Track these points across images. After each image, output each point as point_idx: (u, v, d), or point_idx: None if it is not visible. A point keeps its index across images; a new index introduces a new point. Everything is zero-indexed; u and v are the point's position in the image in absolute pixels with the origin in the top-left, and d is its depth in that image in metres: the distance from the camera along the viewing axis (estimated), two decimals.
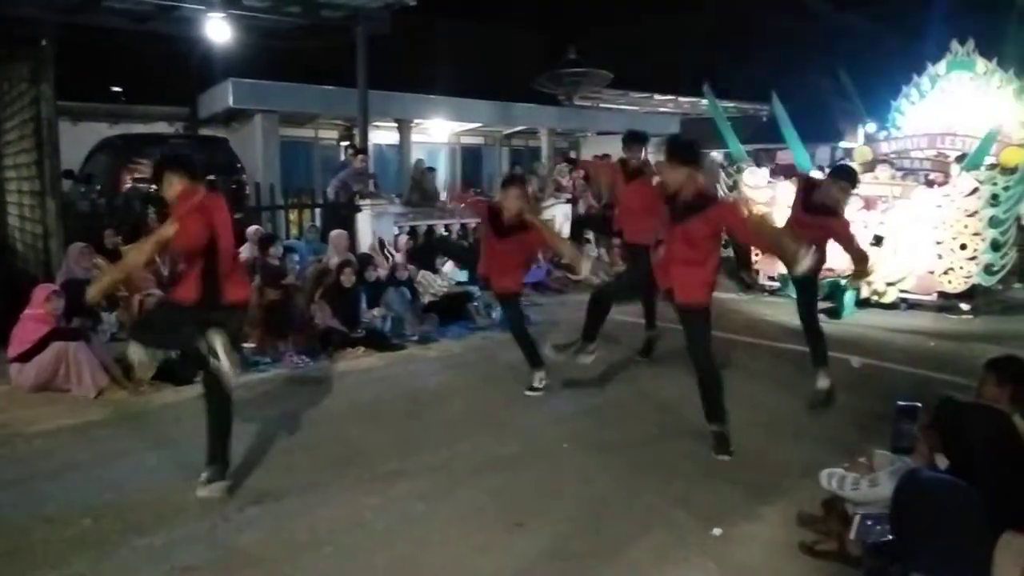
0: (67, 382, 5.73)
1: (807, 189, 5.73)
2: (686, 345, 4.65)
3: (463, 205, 10.02)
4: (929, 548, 2.64)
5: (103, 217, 8.55)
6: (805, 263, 4.30)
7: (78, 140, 12.09)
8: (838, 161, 13.87)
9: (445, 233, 10.45)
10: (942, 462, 3.09)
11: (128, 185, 10.82)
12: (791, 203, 5.90)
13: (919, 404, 3.26)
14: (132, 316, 6.67)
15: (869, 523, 3.09)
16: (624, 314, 6.90)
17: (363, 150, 11.03)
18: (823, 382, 5.48)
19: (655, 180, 5.49)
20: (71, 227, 7.67)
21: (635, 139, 6.66)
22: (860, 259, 5.60)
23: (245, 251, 8.23)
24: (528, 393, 5.74)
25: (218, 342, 3.71)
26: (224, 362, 3.71)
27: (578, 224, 11.43)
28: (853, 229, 5.83)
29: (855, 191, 6.44)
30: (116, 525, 3.71)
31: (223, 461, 4.06)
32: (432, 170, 11.45)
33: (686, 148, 4.57)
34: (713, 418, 4.64)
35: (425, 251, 9.30)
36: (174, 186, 3.99)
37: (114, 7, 10.61)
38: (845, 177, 5.62)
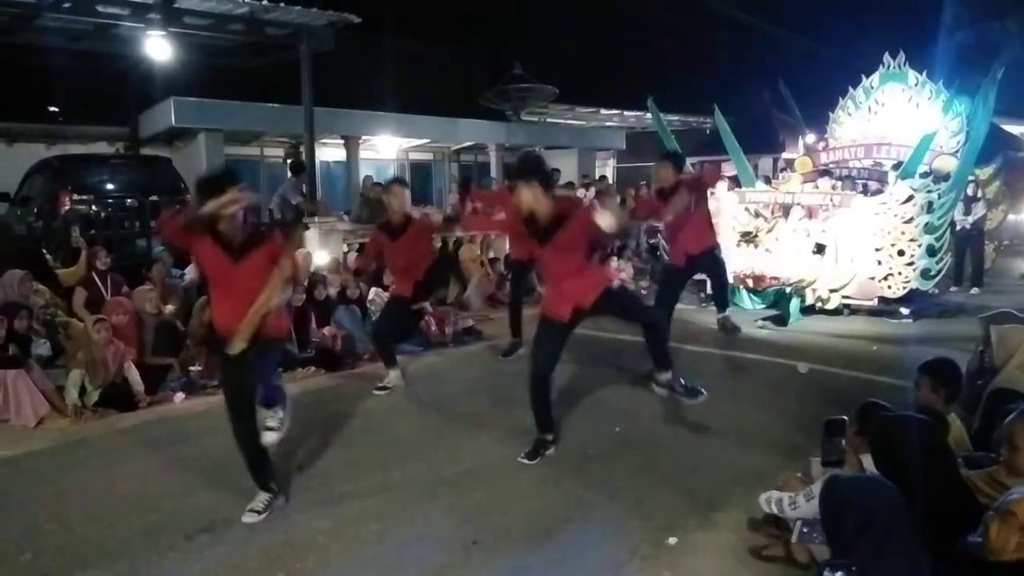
0: (5, 411, 5.55)
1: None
2: (626, 319, 4.90)
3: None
4: (862, 546, 2.71)
5: (40, 240, 8.32)
6: (607, 219, 4.26)
7: (14, 162, 11.77)
8: (780, 171, 14.21)
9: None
10: (868, 462, 3.17)
11: (67, 207, 10.54)
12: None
13: (845, 417, 3.34)
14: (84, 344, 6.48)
15: (806, 530, 3.16)
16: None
17: (303, 164, 10.90)
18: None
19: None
20: (7, 250, 7.45)
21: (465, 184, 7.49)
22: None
23: (190, 272, 8.09)
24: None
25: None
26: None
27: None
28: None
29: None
30: (58, 559, 3.59)
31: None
32: (380, 185, 11.37)
33: (531, 164, 4.54)
34: (665, 366, 4.84)
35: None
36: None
37: (48, 25, 10.37)
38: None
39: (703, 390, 4.89)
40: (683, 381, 4.90)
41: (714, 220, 9.15)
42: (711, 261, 6.93)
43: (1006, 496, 2.71)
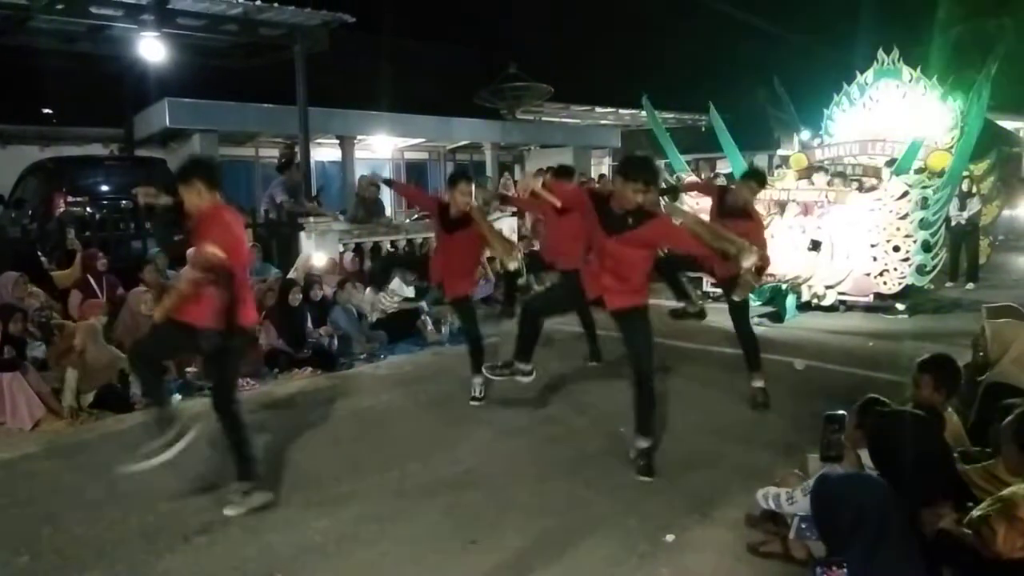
0: (1, 414, 5.53)
1: (720, 196, 6.02)
2: (627, 351, 4.58)
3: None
4: (856, 543, 2.71)
5: (35, 243, 8.29)
6: (751, 257, 4.27)
7: (8, 163, 11.72)
8: (775, 168, 14.22)
9: (392, 249, 10.34)
10: (867, 457, 3.18)
11: (61, 209, 10.50)
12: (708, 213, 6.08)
13: (845, 413, 3.34)
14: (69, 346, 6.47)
15: (804, 526, 3.17)
16: (564, 324, 6.97)
17: (290, 161, 10.83)
18: (758, 382, 5.69)
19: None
20: (2, 253, 7.42)
21: (564, 173, 7.04)
22: (763, 262, 5.48)
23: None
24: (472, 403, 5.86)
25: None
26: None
27: (525, 237, 11.51)
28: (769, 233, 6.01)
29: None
30: (55, 562, 3.59)
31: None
32: (376, 186, 11.35)
33: (644, 167, 4.39)
34: (647, 432, 4.49)
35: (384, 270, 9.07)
36: (202, 196, 3.81)
37: (41, 27, 10.32)
38: (754, 178, 5.96)
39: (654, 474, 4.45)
40: (653, 453, 4.53)
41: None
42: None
43: (1012, 497, 2.70)
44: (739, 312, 5.79)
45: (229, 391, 4.10)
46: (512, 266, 5.82)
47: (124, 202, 9.52)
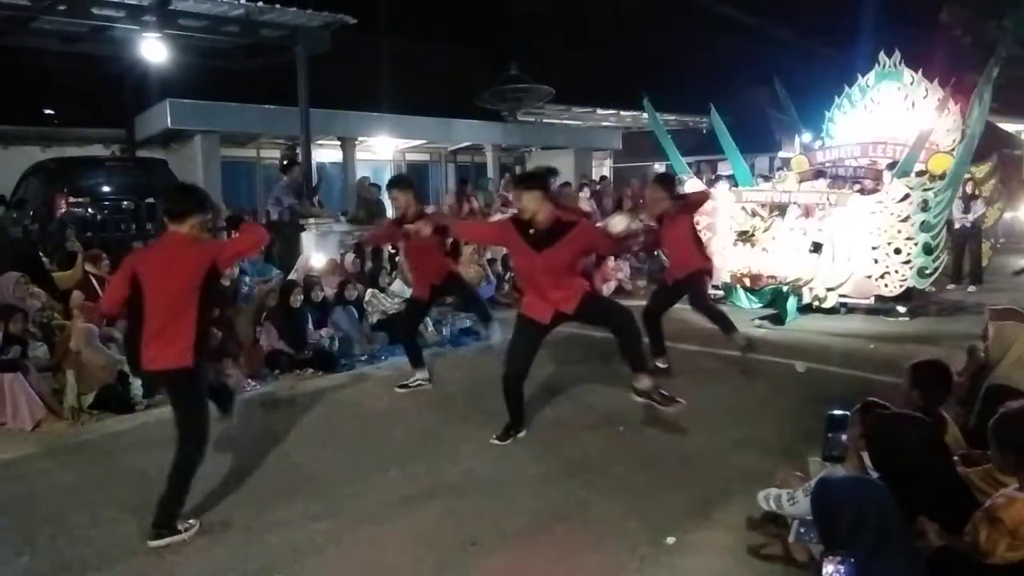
0: (2, 414, 5.54)
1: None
2: (601, 324, 4.91)
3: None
4: (856, 546, 2.71)
5: (36, 244, 8.30)
6: (620, 223, 4.70)
7: (9, 164, 11.74)
8: (777, 170, 14.22)
9: (393, 251, 10.30)
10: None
11: (63, 210, 10.52)
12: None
13: (848, 413, 3.34)
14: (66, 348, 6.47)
15: (803, 530, 3.17)
16: (570, 327, 6.96)
17: (293, 161, 10.83)
18: (739, 340, 6.21)
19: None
20: (3, 253, 7.43)
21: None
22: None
23: None
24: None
25: None
26: None
27: None
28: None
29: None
30: (56, 562, 3.59)
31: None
32: (376, 187, 11.36)
33: (533, 175, 4.87)
34: (639, 368, 4.83)
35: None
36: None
37: (43, 28, 10.35)
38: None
39: (680, 399, 4.84)
40: (661, 390, 4.86)
41: (711, 220, 9.14)
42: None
43: (993, 499, 2.75)
44: (696, 299, 6.57)
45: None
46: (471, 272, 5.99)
47: (125, 203, 9.55)
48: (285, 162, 10.97)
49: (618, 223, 4.94)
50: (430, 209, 9.23)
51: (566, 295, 4.69)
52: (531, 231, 4.63)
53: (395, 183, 6.35)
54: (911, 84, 10.31)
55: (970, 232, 11.01)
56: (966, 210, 10.89)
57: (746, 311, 9.29)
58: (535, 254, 4.63)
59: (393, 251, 10.11)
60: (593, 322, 5.07)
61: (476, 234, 6.84)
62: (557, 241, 4.56)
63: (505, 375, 4.96)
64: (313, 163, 11.71)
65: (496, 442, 4.96)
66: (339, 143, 16.83)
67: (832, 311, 9.28)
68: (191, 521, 3.84)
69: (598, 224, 5.56)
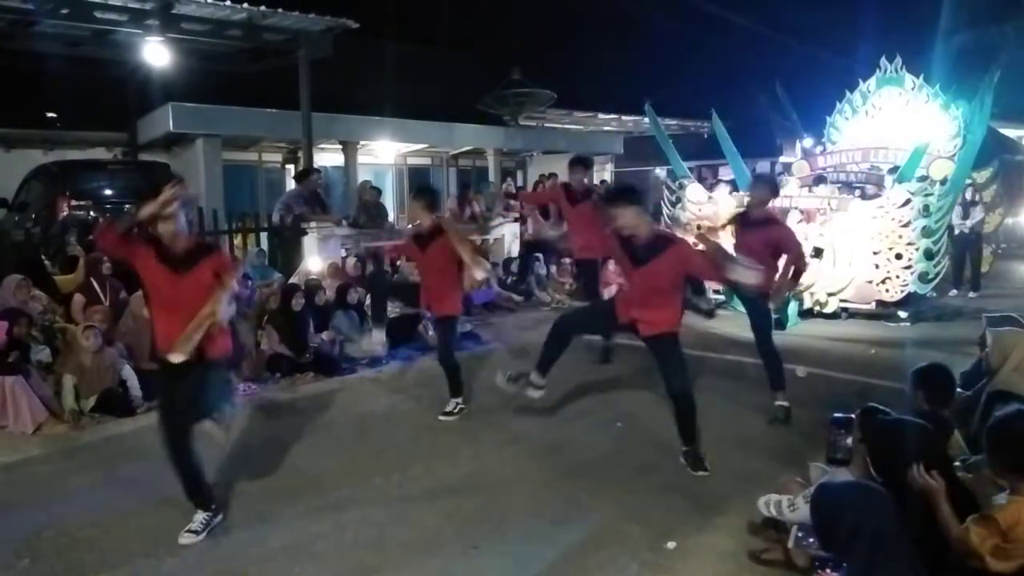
0: (3, 418, 5.53)
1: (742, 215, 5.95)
2: (662, 374, 4.62)
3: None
4: (856, 552, 2.71)
5: (38, 247, 8.30)
6: (751, 277, 4.34)
7: (11, 167, 11.74)
8: (778, 175, 14.21)
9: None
10: None
11: (65, 213, 10.52)
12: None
13: (853, 416, 3.34)
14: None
15: (801, 535, 3.17)
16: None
17: (309, 170, 10.82)
18: (781, 400, 5.55)
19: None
20: (5, 256, 7.44)
21: (579, 163, 7.26)
22: (799, 270, 5.72)
23: None
24: (441, 418, 5.76)
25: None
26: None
27: (528, 243, 11.52)
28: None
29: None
30: (56, 565, 3.59)
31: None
32: (377, 190, 11.37)
33: (627, 190, 4.66)
34: (688, 439, 4.61)
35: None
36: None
37: (46, 31, 10.37)
38: (765, 182, 5.97)
39: (707, 465, 4.58)
40: (700, 453, 4.65)
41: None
42: None
43: (992, 502, 2.77)
44: (762, 330, 5.75)
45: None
46: (479, 276, 5.88)
47: (127, 206, 9.54)
48: (301, 170, 10.96)
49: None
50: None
51: (650, 320, 4.54)
52: (632, 246, 4.53)
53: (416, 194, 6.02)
54: (913, 89, 10.33)
55: (970, 238, 11.01)
56: (966, 216, 10.89)
57: (746, 315, 9.25)
58: (632, 268, 4.57)
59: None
60: (657, 362, 4.68)
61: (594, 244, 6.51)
62: (653, 258, 4.43)
63: (559, 320, 4.94)
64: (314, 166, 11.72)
65: (500, 383, 4.98)
66: (341, 147, 16.83)
67: (833, 316, 9.28)
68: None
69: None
